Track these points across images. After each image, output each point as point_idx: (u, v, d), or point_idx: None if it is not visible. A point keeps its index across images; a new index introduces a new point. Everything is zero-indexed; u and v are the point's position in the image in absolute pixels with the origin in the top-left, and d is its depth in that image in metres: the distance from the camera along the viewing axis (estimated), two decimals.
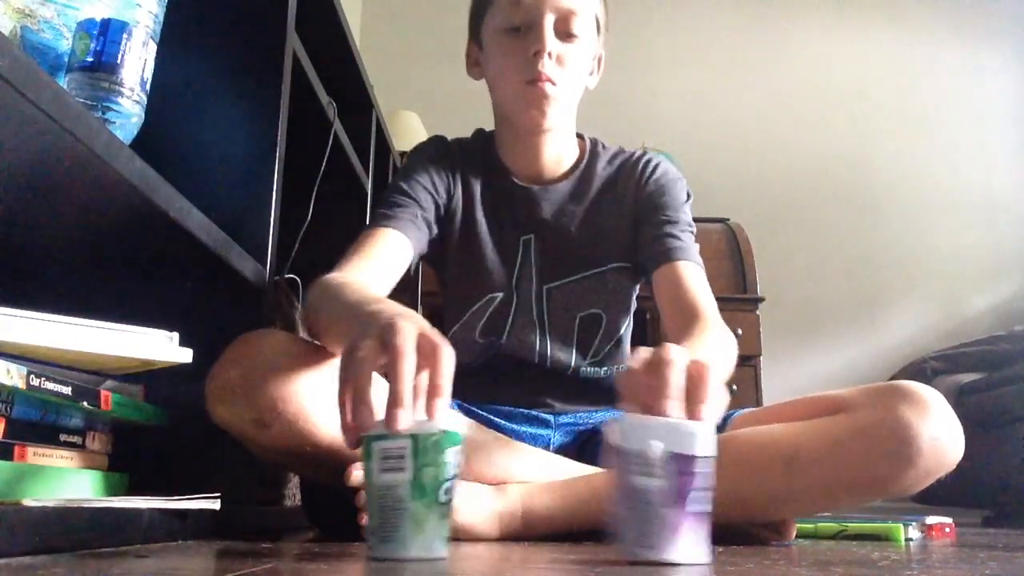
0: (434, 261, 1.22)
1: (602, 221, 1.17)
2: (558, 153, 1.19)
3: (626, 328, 1.20)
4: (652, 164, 1.20)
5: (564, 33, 1.09)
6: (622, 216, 1.17)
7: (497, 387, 1.14)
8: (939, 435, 0.83)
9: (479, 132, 1.26)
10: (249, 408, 0.81)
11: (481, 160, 1.20)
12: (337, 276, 0.96)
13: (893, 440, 0.83)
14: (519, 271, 1.16)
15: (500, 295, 1.15)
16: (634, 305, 1.21)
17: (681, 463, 0.60)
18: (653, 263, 1.12)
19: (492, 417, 1.12)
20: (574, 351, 1.16)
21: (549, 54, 1.08)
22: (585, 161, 1.21)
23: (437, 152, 1.19)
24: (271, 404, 0.81)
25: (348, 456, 0.80)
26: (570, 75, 1.11)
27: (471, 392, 1.11)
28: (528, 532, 0.92)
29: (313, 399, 0.82)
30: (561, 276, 1.16)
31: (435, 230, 1.14)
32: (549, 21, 1.08)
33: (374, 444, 0.63)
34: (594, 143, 1.23)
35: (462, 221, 1.17)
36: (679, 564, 0.60)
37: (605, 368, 1.17)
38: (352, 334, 0.69)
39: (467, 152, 1.21)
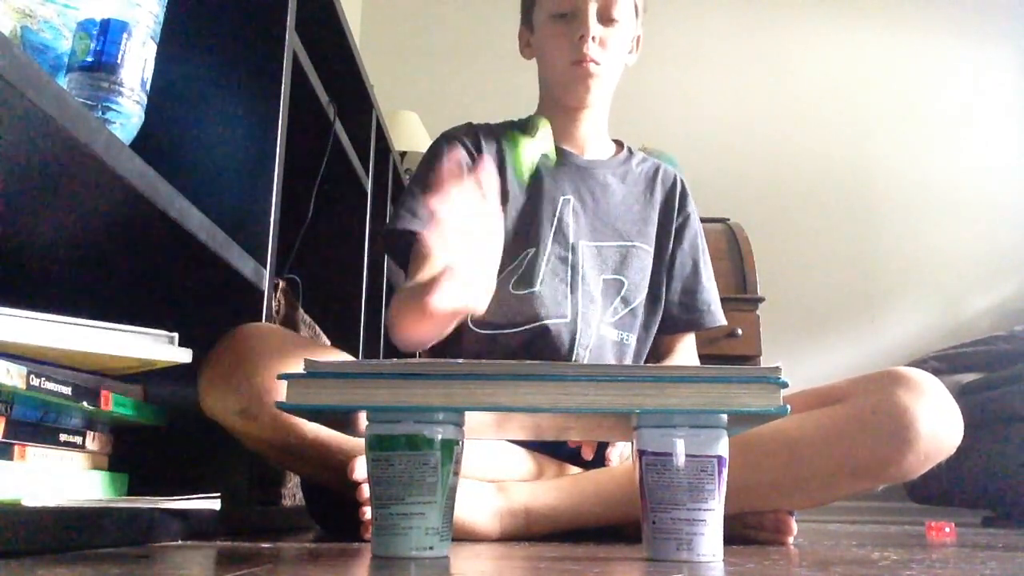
0: None
1: (636, 205, 1.29)
2: (596, 128, 1.32)
3: (639, 302, 1.25)
4: (687, 189, 1.34)
5: (606, 18, 1.22)
6: (653, 210, 1.30)
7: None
8: (937, 417, 0.85)
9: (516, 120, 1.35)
10: (237, 399, 0.82)
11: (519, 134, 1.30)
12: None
13: (892, 424, 0.85)
14: (556, 228, 1.23)
15: (534, 249, 1.21)
16: (647, 284, 1.27)
17: (703, 464, 0.63)
18: (679, 323, 1.28)
19: None
20: (599, 307, 1.21)
21: (593, 38, 1.20)
22: (624, 154, 1.35)
23: (461, 136, 1.29)
24: (257, 395, 0.81)
25: (333, 451, 0.84)
26: (611, 56, 1.23)
27: None
28: (531, 530, 0.92)
29: None
30: (592, 239, 1.24)
31: None
32: (592, 8, 1.21)
33: (377, 440, 0.63)
34: (628, 146, 1.38)
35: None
36: (702, 562, 0.62)
37: (619, 332, 1.23)
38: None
39: (497, 128, 1.31)
